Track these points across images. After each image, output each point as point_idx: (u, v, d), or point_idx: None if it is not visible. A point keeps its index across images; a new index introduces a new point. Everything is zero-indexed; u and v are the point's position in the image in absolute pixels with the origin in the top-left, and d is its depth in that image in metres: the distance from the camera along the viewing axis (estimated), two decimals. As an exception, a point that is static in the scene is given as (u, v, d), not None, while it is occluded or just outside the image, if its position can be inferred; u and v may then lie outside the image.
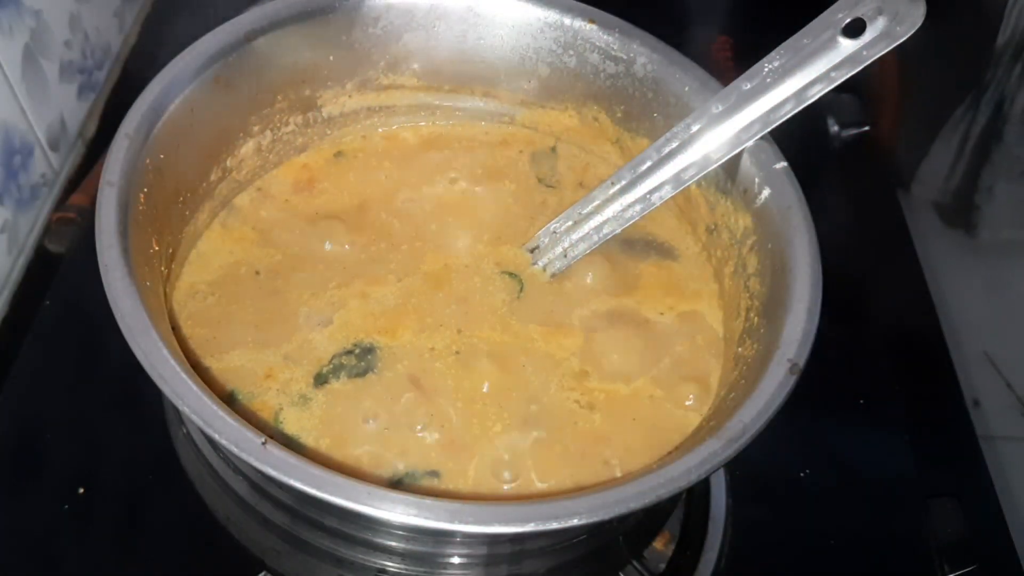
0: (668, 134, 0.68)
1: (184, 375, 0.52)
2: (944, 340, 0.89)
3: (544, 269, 0.74)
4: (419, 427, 0.64)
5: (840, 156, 1.03)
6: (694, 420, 0.66)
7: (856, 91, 1.06)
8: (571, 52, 0.77)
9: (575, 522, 0.49)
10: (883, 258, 0.96)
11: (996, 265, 1.46)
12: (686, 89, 0.73)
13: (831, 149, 1.03)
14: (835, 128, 1.04)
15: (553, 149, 0.83)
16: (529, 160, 0.82)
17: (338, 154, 0.81)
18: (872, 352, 0.86)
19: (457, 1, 0.77)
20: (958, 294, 1.19)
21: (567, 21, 0.76)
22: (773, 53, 0.63)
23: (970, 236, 1.53)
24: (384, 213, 0.77)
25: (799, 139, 0.66)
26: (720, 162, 0.66)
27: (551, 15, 0.76)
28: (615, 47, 0.76)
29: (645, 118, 0.77)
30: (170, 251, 0.68)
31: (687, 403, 0.67)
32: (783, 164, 0.68)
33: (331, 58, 0.76)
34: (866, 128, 1.04)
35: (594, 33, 0.76)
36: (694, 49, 0.75)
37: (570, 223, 0.73)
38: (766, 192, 0.68)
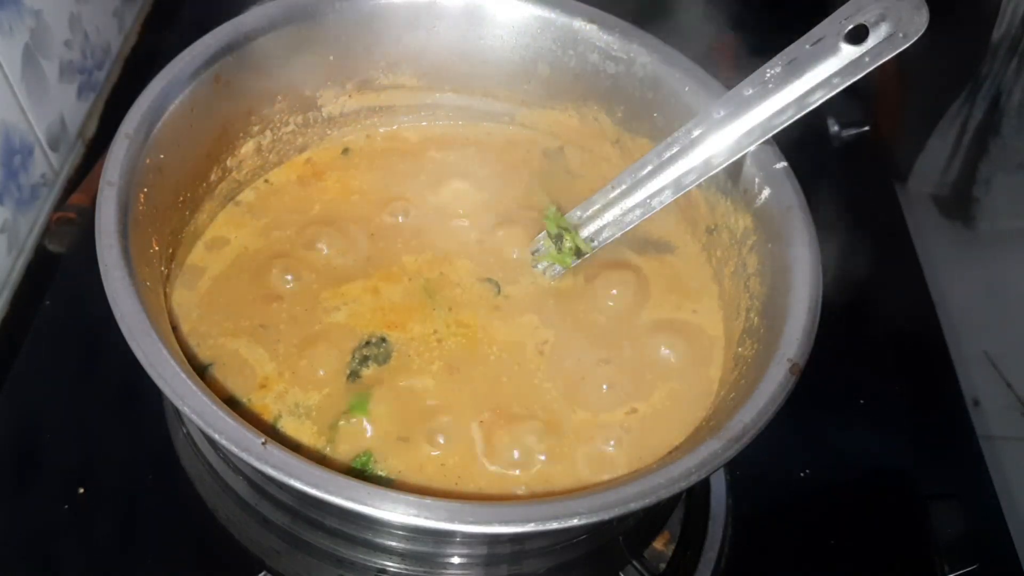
0: (669, 139, 0.68)
1: (184, 375, 0.52)
2: (944, 340, 0.89)
3: (544, 272, 0.74)
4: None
5: (840, 156, 1.03)
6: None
7: (856, 91, 1.06)
8: (571, 52, 0.77)
9: (575, 522, 0.49)
10: (883, 258, 0.95)
11: (995, 259, 1.47)
12: (686, 89, 0.73)
13: (831, 149, 1.03)
14: (835, 128, 1.04)
15: (560, 149, 0.83)
16: (542, 156, 0.82)
17: (345, 151, 0.81)
18: (872, 352, 0.86)
19: (457, 1, 0.77)
20: (958, 293, 1.19)
21: (567, 21, 0.76)
22: (775, 59, 0.63)
23: (969, 229, 1.53)
24: (392, 211, 0.77)
25: (799, 139, 0.65)
26: (721, 167, 0.66)
27: (551, 15, 0.76)
28: (615, 47, 0.76)
29: (645, 118, 0.77)
30: (170, 251, 0.68)
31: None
32: (783, 164, 0.68)
33: (331, 58, 0.76)
34: (866, 128, 1.04)
35: (594, 33, 0.76)
36: (694, 49, 0.75)
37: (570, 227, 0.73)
38: (766, 192, 0.68)
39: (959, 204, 1.53)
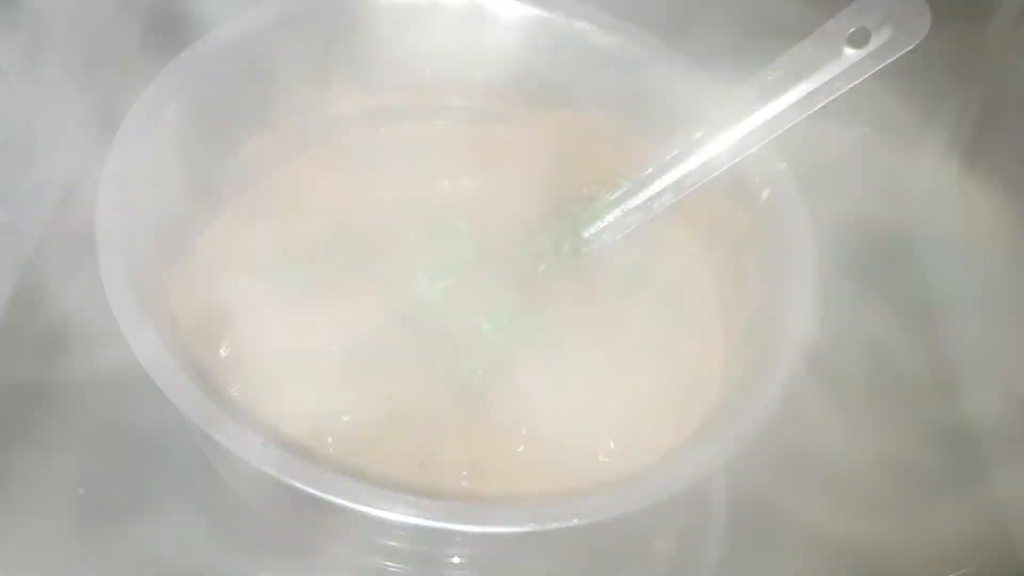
0: (670, 141, 0.68)
1: (184, 375, 0.53)
2: (944, 340, 0.89)
3: (544, 275, 0.74)
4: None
5: (840, 156, 1.03)
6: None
7: (856, 91, 1.06)
8: (571, 52, 0.77)
9: (575, 522, 0.50)
10: (883, 257, 0.96)
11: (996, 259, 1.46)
12: (686, 90, 0.73)
13: (831, 149, 1.03)
14: (835, 127, 1.04)
15: (560, 149, 0.83)
16: (542, 157, 0.82)
17: (347, 151, 0.81)
18: (872, 352, 0.86)
19: (457, 1, 0.77)
20: (958, 293, 1.19)
21: (568, 21, 0.76)
22: (776, 62, 0.63)
23: (970, 227, 1.53)
24: (393, 212, 0.77)
25: (799, 139, 0.66)
26: (722, 170, 0.66)
27: (552, 15, 0.77)
28: (615, 47, 0.76)
29: (645, 118, 0.77)
30: (170, 251, 0.68)
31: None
32: (783, 165, 0.68)
33: (331, 58, 0.76)
34: (866, 128, 1.04)
35: (594, 33, 0.76)
36: (694, 49, 0.75)
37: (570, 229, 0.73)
38: (766, 192, 0.68)
39: (958, 201, 1.53)
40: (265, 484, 0.65)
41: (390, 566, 0.64)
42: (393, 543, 0.63)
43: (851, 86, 0.61)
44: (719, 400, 0.66)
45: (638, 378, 0.69)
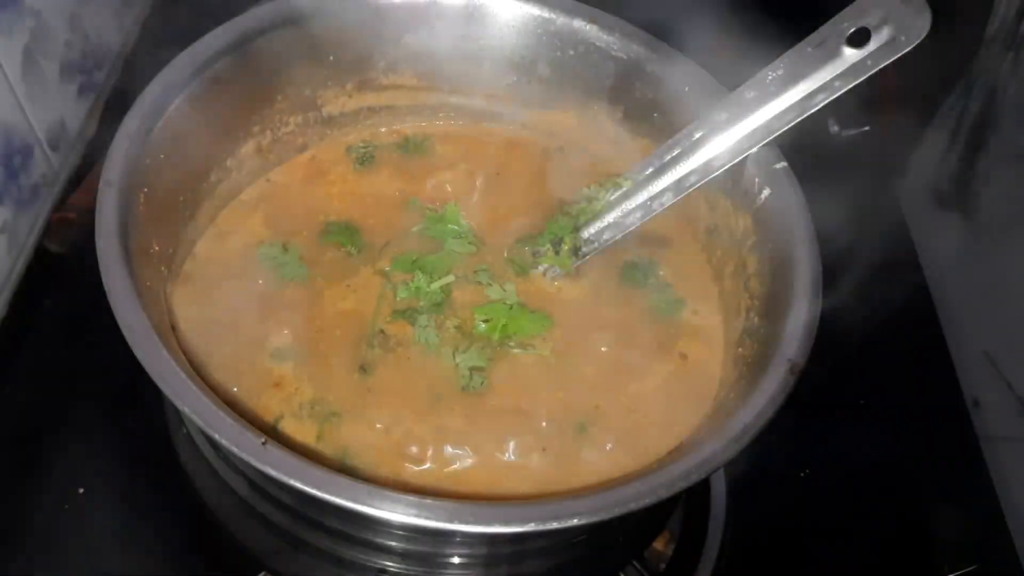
0: (670, 141, 0.68)
1: (184, 375, 0.52)
2: (944, 340, 0.89)
3: (544, 274, 0.74)
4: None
5: (840, 156, 1.03)
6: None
7: (856, 91, 1.06)
8: (571, 52, 0.77)
9: (575, 522, 0.49)
10: (883, 258, 0.96)
11: (996, 255, 1.46)
12: (686, 89, 0.73)
13: (831, 149, 1.03)
14: (835, 128, 1.04)
15: (560, 149, 0.83)
16: (542, 156, 0.82)
17: (348, 149, 0.81)
18: (872, 352, 0.86)
19: (457, 1, 0.77)
20: (958, 293, 1.19)
21: (568, 21, 0.76)
22: (777, 61, 0.63)
23: (969, 225, 1.53)
24: (393, 209, 0.77)
25: (799, 139, 0.66)
26: (722, 170, 0.66)
27: (552, 15, 0.76)
28: (615, 47, 0.76)
29: (645, 118, 0.77)
30: (170, 251, 0.68)
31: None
32: (783, 164, 0.68)
33: (331, 58, 0.76)
34: (866, 128, 1.04)
35: (594, 33, 0.76)
36: (694, 49, 0.75)
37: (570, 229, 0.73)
38: (766, 192, 0.68)
39: (958, 200, 1.52)
40: (266, 483, 0.65)
41: (390, 566, 0.64)
42: (393, 543, 0.63)
43: (851, 86, 0.60)
44: (719, 400, 0.65)
45: (638, 378, 0.69)
